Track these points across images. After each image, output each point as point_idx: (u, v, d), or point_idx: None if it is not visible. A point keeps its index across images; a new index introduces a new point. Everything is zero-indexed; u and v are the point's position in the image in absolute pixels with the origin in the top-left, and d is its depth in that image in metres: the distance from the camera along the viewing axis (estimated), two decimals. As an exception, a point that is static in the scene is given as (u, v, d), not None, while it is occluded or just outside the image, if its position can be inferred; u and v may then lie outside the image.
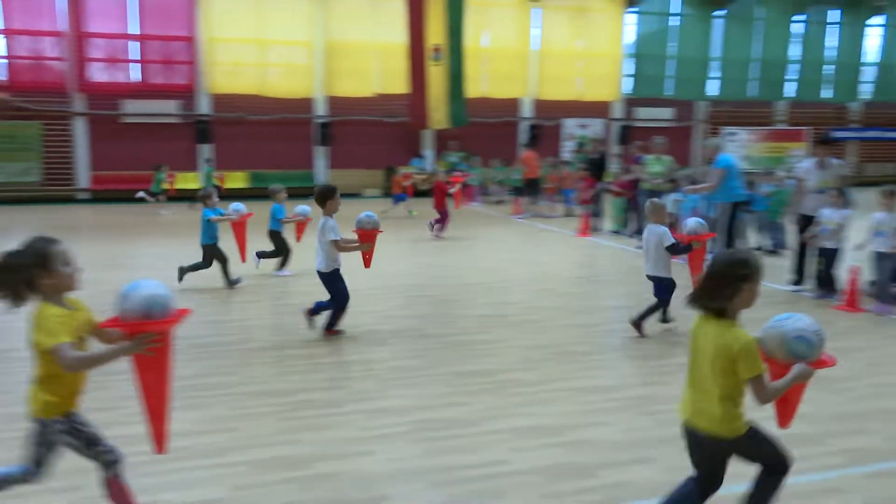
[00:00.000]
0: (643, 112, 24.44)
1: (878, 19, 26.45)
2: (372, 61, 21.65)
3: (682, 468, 3.56)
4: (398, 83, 20.97)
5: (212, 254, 8.00)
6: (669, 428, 4.08)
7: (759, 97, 25.67)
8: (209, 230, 8.01)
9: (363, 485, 3.44)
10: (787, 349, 2.67)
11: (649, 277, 6.14)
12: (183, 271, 7.94)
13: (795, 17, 25.43)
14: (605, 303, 7.65)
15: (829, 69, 26.28)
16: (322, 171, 21.75)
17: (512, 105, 23.24)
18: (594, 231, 12.69)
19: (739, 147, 24.79)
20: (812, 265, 7.69)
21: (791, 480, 3.45)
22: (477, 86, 22.24)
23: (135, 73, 20.32)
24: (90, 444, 2.83)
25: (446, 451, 3.80)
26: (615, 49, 23.73)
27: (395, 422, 4.19)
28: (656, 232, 6.00)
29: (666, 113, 24.81)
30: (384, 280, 8.56)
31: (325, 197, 5.89)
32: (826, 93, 26.46)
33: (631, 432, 4.05)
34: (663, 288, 6.03)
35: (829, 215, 7.25)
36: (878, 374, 5.16)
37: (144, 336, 2.67)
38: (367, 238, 6.37)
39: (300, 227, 9.30)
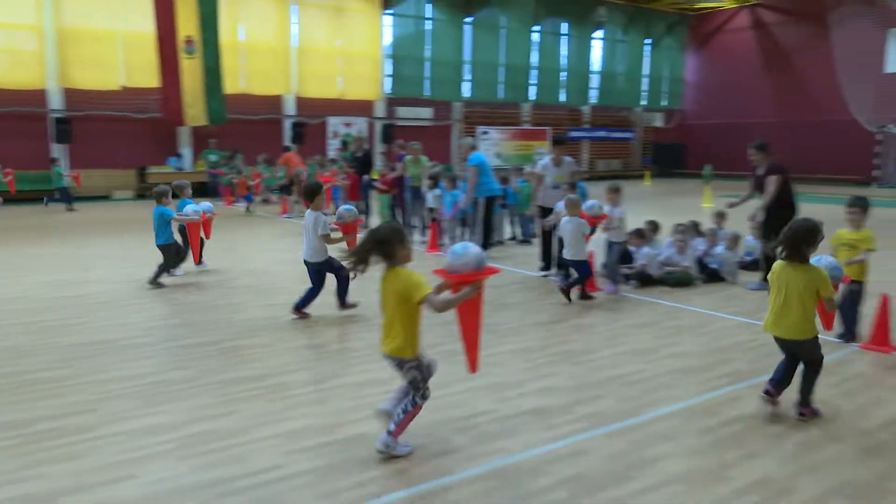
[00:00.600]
0: (404, 111, 25.29)
1: (599, 33, 30.05)
2: (116, 51, 19.77)
3: (453, 450, 3.79)
4: (148, 76, 19.46)
5: (170, 252, 8.14)
6: (440, 413, 4.30)
7: (507, 99, 27.88)
8: (167, 229, 8.05)
9: None
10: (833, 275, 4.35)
11: (569, 262, 7.44)
12: (154, 280, 7.98)
13: (534, 27, 27.99)
14: (374, 297, 7.77)
15: (564, 75, 29.33)
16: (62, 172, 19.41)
17: (275, 102, 22.71)
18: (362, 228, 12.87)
19: (492, 145, 26.72)
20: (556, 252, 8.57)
21: (544, 448, 3.84)
22: (236, 81, 21.42)
23: None
24: (424, 380, 3.76)
25: (217, 464, 3.63)
26: (374, 49, 24.24)
27: (159, 440, 3.92)
28: (575, 222, 7.29)
29: (426, 112, 25.92)
30: (141, 289, 7.93)
31: (314, 193, 6.61)
32: (562, 96, 29.52)
33: (403, 421, 4.19)
34: (584, 268, 7.34)
35: (610, 211, 7.79)
36: (612, 346, 5.89)
37: (476, 283, 3.67)
38: (349, 230, 7.00)
39: (207, 223, 9.04)
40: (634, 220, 10.59)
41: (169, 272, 8.33)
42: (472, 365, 3.93)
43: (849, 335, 5.88)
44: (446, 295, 3.71)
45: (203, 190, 19.71)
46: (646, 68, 31.90)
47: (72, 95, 19.38)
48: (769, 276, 4.32)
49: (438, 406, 4.43)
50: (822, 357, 4.32)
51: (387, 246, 3.61)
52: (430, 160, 12.42)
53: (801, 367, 4.34)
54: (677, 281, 8.03)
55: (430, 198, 11.05)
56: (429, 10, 25.43)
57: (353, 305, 6.90)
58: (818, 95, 27.62)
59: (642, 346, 5.81)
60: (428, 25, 25.58)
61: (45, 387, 4.78)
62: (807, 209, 8.82)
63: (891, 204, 18.86)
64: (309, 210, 6.67)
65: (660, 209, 16.19)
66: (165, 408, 4.41)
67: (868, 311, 6.10)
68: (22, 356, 5.47)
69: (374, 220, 13.56)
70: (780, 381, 4.32)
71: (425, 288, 3.56)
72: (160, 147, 20.78)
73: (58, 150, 19.25)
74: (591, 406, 4.47)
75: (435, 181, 11.03)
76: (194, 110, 19.49)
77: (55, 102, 19.27)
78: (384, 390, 4.72)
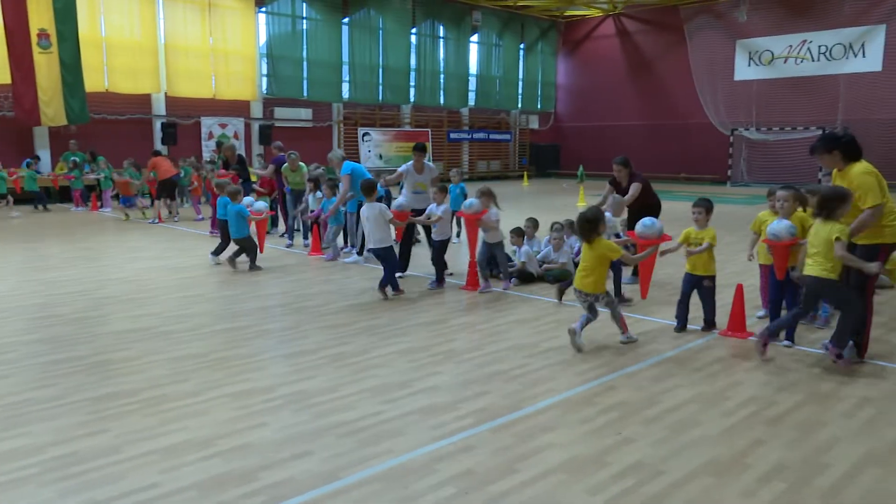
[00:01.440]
0: (283, 112, 24.71)
1: (476, 37, 30.71)
2: (-43, 44, 18.02)
3: (340, 454, 3.75)
4: (-3, 71, 17.90)
5: (246, 245, 9.43)
6: (326, 418, 4.25)
7: (387, 101, 27.90)
8: (244, 224, 9.42)
9: None
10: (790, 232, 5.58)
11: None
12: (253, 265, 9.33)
13: (411, 30, 28.18)
14: (257, 304, 7.57)
15: (443, 78, 29.73)
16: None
17: (143, 101, 21.52)
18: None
19: (374, 146, 26.66)
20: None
21: (432, 446, 3.89)
22: (100, 79, 20.13)
23: None
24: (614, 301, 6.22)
25: (86, 487, 3.41)
26: (249, 48, 23.53)
27: (20, 465, 3.62)
28: (493, 212, 7.90)
29: (305, 113, 25.45)
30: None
31: (372, 189, 7.80)
32: (442, 99, 29.90)
33: (289, 429, 4.11)
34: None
35: (433, 209, 8.24)
36: (495, 342, 6.04)
37: (655, 246, 6.38)
38: (402, 217, 8.14)
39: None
40: (516, 219, 10.91)
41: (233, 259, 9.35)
42: (645, 292, 6.95)
43: (708, 324, 6.34)
44: (632, 254, 6.32)
45: (64, 194, 18.39)
46: (521, 72, 32.92)
47: None
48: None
49: (325, 411, 4.37)
50: (857, 305, 5.16)
51: (595, 223, 5.70)
52: (310, 165, 12.24)
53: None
54: (556, 277, 8.34)
55: (312, 200, 10.90)
56: (304, 9, 24.99)
57: (402, 292, 7.80)
58: (678, 100, 29.64)
59: (523, 342, 6.00)
60: (304, 25, 25.13)
61: None
62: (668, 206, 9.37)
63: (741, 201, 20.52)
64: (367, 203, 7.74)
65: (538, 208, 16.75)
66: (27, 429, 4.08)
67: (725, 301, 6.61)
68: None
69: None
70: (775, 331, 5.51)
71: (620, 250, 5.79)
72: (15, 148, 19.13)
73: None
74: (476, 402, 4.56)
75: (316, 184, 10.87)
76: (51, 109, 18.16)
77: None
78: (265, 398, 4.60)
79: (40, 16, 17.77)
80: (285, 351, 5.77)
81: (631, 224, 8.07)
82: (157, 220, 14.66)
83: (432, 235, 8.49)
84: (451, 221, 9.32)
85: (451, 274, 8.64)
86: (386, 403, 4.53)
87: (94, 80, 19.58)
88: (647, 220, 6.49)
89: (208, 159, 18.40)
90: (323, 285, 8.49)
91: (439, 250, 8.29)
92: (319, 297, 7.89)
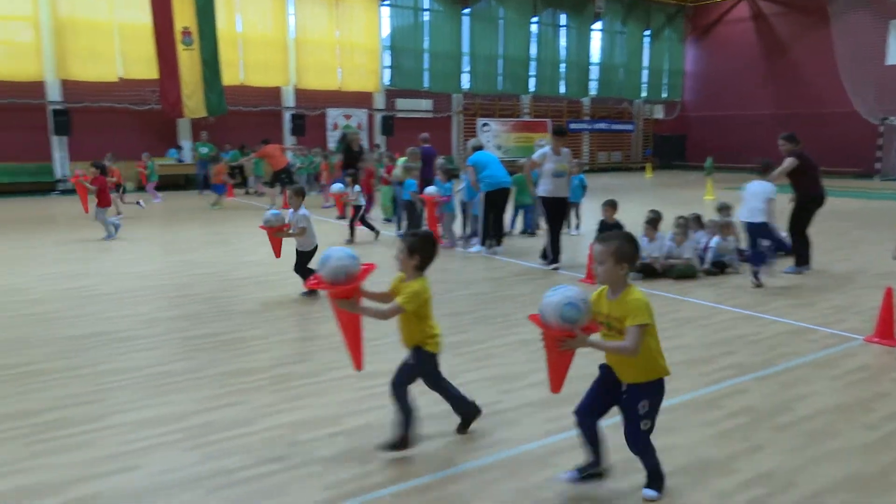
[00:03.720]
0: (404, 103, 25.22)
1: (598, 24, 29.95)
2: (113, 43, 19.66)
3: (458, 441, 3.79)
4: (146, 67, 19.38)
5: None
6: (445, 404, 4.30)
7: (506, 91, 27.80)
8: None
9: (130, 502, 3.17)
10: (560, 315, 3.01)
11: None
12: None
13: (532, 19, 27.89)
14: (377, 290, 7.76)
15: (563, 67, 29.24)
16: (61, 165, 19.41)
17: (274, 94, 22.64)
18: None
19: (492, 136, 26.66)
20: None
21: (548, 440, 3.84)
22: (235, 73, 21.33)
23: None
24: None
25: (223, 455, 3.63)
26: (372, 41, 24.15)
27: (165, 430, 3.92)
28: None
29: (425, 104, 25.85)
30: (143, 280, 7.94)
31: (453, 175, 8.10)
32: (562, 88, 29.43)
33: (419, 410, 4.18)
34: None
35: (291, 215, 7.33)
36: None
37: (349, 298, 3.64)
38: (271, 231, 7.36)
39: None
40: (638, 212, 10.59)
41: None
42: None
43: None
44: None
45: (193, 181, 19.71)
46: (645, 60, 31.81)
47: (70, 87, 19.31)
48: None
49: (440, 398, 4.42)
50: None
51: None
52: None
53: None
54: (680, 273, 8.02)
55: (432, 191, 11.02)
56: (426, 1, 25.33)
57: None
58: (818, 87, 27.56)
59: (645, 338, 5.80)
60: (426, 17, 25.48)
61: (49, 378, 4.77)
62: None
63: (892, 196, 18.87)
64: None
65: (662, 201, 16.17)
66: (169, 398, 4.40)
67: (871, 305, 6.10)
68: (25, 347, 5.46)
69: (377, 213, 13.55)
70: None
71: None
72: (161, 139, 20.72)
73: (57, 143, 19.21)
74: (729, 359, 4.44)
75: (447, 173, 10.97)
76: (193, 102, 19.43)
77: (53, 94, 19.18)
78: (383, 382, 4.71)
79: (184, 15, 19.03)
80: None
81: (796, 221, 8.25)
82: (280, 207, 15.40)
83: (298, 247, 7.40)
84: (570, 213, 9.20)
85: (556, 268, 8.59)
86: (503, 393, 4.53)
87: (230, 74, 20.77)
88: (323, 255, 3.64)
89: (333, 149, 19.14)
90: (441, 273, 8.60)
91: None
92: (437, 285, 7.99)
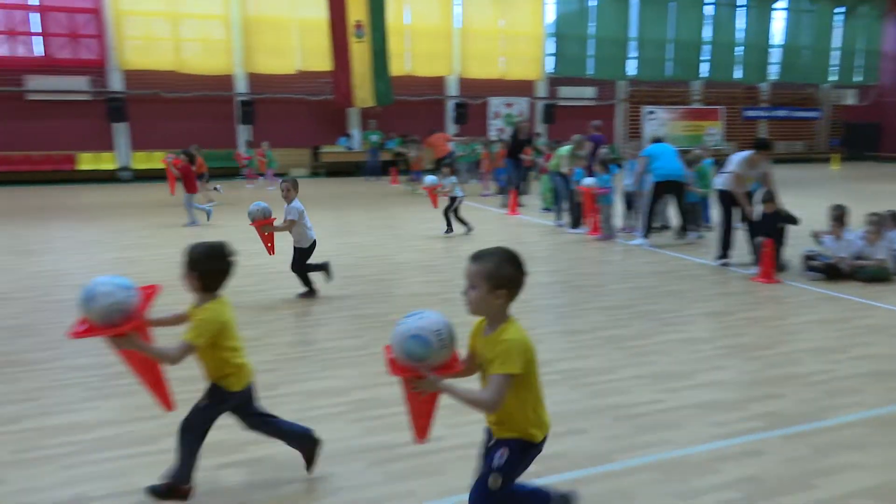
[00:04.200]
0: (566, 91, 24.86)
1: (782, 3, 27.66)
2: (293, 37, 21.11)
3: (615, 437, 3.70)
4: (321, 60, 20.58)
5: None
6: (602, 398, 4.22)
7: (675, 77, 26.52)
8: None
9: (299, 467, 3.41)
10: (401, 348, 2.40)
11: None
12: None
13: (706, 0, 26.32)
14: (535, 279, 7.77)
15: (739, 50, 27.37)
16: (245, 150, 21.13)
17: (438, 83, 23.19)
18: (523, 208, 12.91)
19: (659, 125, 25.62)
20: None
21: (713, 444, 3.65)
22: (401, 63, 22.07)
23: (37, 48, 19.15)
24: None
25: (384, 430, 3.80)
26: (537, 28, 23.98)
27: (333, 402, 4.17)
28: None
29: (588, 92, 25.31)
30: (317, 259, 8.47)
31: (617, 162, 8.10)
32: (738, 73, 27.58)
33: (565, 404, 4.15)
34: None
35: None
36: (791, 342, 5.46)
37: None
38: (258, 225, 6.64)
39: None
40: (821, 207, 9.75)
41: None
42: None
43: None
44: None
45: (362, 168, 20.64)
46: (836, 40, 28.98)
47: (255, 80, 20.95)
48: None
49: (600, 391, 4.34)
50: None
51: None
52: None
53: None
54: (871, 276, 7.28)
55: (591, 182, 10.75)
56: (595, -15, 24.75)
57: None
58: None
59: (826, 345, 5.34)
60: (592, 2, 24.87)
61: (233, 346, 5.24)
62: None
63: None
64: None
65: (851, 197, 14.73)
66: (338, 372, 4.68)
67: None
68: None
69: (535, 202, 13.52)
70: None
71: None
72: (332, 127, 21.96)
73: (242, 131, 20.95)
74: (766, 405, 4.17)
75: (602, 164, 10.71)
76: (363, 92, 20.35)
77: (241, 87, 20.91)
78: (543, 371, 4.69)
79: (357, 9, 19.96)
80: (562, 327, 5.84)
81: None
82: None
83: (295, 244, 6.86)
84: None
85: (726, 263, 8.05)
86: (665, 392, 4.35)
87: (397, 64, 21.53)
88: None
89: (494, 138, 19.29)
90: (600, 266, 8.43)
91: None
92: (597, 277, 7.85)
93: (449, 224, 10.43)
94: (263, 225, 6.56)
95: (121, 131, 19.73)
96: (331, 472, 3.35)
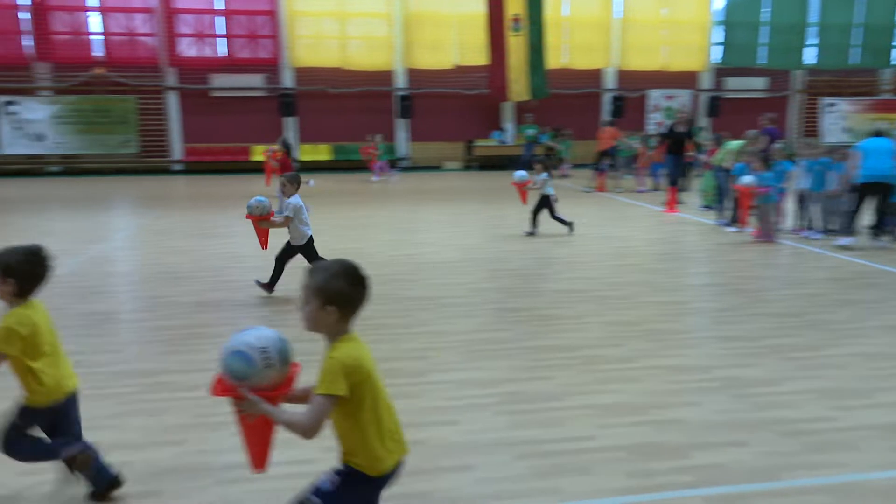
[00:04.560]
0: (734, 82, 23.39)
1: None
2: (451, 33, 21.52)
3: (780, 453, 3.45)
4: (477, 55, 20.82)
5: None
6: (765, 411, 3.94)
7: (862, 65, 24.08)
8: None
9: (448, 453, 3.47)
10: (223, 365, 2.18)
11: None
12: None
13: (905, -22, 23.65)
14: (691, 280, 7.42)
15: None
16: (403, 144, 21.90)
17: (594, 76, 22.67)
18: (682, 206, 12.35)
19: (839, 118, 23.45)
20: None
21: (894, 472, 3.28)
22: (558, 56, 21.81)
23: (221, 48, 20.90)
24: None
25: (530, 424, 3.78)
26: (703, 16, 22.73)
27: (480, 393, 4.21)
28: None
29: (758, 83, 23.65)
30: (466, 252, 8.59)
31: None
32: (937, 60, 24.59)
33: (724, 413, 3.92)
34: None
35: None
36: None
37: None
38: (255, 221, 6.57)
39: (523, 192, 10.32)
40: None
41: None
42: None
43: None
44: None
45: (517, 163, 20.61)
46: None
47: (413, 75, 21.58)
48: None
49: (764, 404, 4.05)
50: None
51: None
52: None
53: None
54: None
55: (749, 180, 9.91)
56: (770, -32, 23.01)
57: None
58: None
59: None
60: (768, -14, 23.16)
61: (389, 331, 5.44)
62: None
63: None
64: None
65: None
66: (485, 364, 4.71)
67: None
68: (375, 303, 6.27)
69: (696, 200, 12.89)
70: None
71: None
72: (486, 121, 22.15)
73: (400, 125, 21.67)
74: None
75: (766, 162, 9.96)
76: (518, 86, 20.33)
77: (400, 82, 21.62)
78: (698, 378, 4.47)
79: (515, 3, 19.93)
80: (721, 332, 5.52)
81: None
82: (593, 189, 15.42)
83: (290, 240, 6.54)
84: None
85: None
86: (838, 410, 3.98)
87: (554, 57, 21.28)
88: None
89: (652, 132, 18.59)
90: (765, 269, 7.87)
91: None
92: (760, 281, 7.34)
93: (534, 225, 9.73)
94: (260, 220, 6.48)
95: (290, 125, 21.08)
96: (475, 463, 3.39)
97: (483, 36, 20.36)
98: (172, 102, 20.66)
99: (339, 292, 2.17)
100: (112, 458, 3.40)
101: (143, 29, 20.32)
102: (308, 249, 6.41)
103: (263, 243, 6.72)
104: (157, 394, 4.25)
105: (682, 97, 22.88)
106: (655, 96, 22.82)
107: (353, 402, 2.15)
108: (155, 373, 4.61)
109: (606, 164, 15.86)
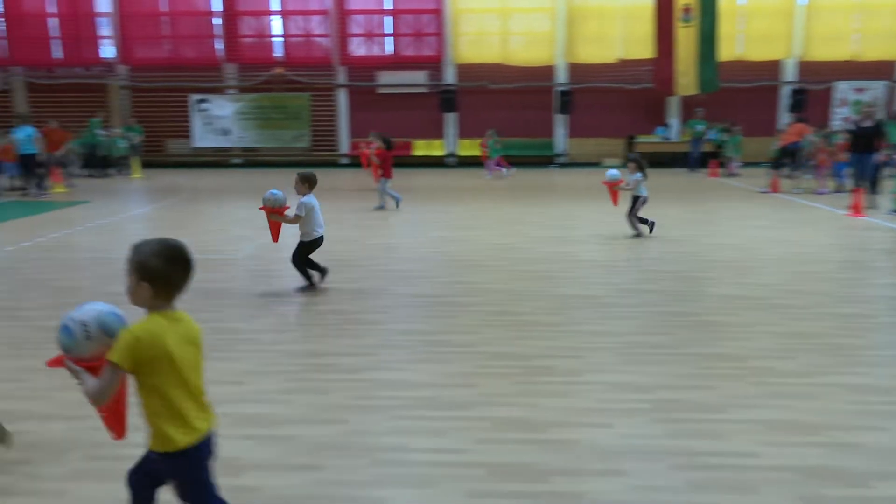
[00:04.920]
0: (938, 72, 20.82)
1: None
2: (615, 26, 20.93)
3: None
4: (643, 48, 20.10)
5: None
6: (967, 443, 3.48)
7: None
8: None
9: (600, 456, 3.38)
10: (57, 338, 2.30)
11: None
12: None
13: None
14: (879, 292, 6.69)
15: None
16: (561, 140, 21.67)
17: (771, 67, 21.10)
18: (870, 209, 11.22)
19: None
20: None
21: None
22: (731, 47, 20.54)
23: (388, 47, 21.75)
24: None
25: (689, 435, 3.59)
26: (904, -1, 20.41)
27: (635, 398, 4.06)
28: None
29: (969, 73, 20.89)
30: (621, 252, 8.34)
31: None
32: None
33: (917, 443, 3.51)
34: None
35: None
36: None
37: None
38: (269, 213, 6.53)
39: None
40: None
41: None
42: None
43: None
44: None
45: (683, 160, 19.68)
46: None
47: (574, 70, 21.23)
48: None
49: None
50: None
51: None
52: None
53: None
54: None
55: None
56: None
57: None
58: None
59: None
60: None
61: (540, 329, 5.40)
62: None
63: None
64: None
65: None
66: (641, 368, 4.54)
67: None
68: (523, 299, 6.27)
69: (886, 204, 11.67)
70: None
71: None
72: (649, 117, 21.35)
73: (559, 120, 21.43)
74: None
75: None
76: (686, 79, 19.40)
77: (560, 77, 21.36)
78: (885, 400, 4.02)
79: (686, -8, 19.04)
80: (914, 351, 4.94)
81: None
82: (768, 190, 14.36)
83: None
84: None
85: None
86: None
87: (727, 48, 20.05)
88: None
89: (836, 128, 17.02)
90: (973, 283, 6.94)
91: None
92: (966, 296, 6.48)
93: (635, 227, 9.31)
94: (272, 213, 6.49)
95: (450, 121, 21.53)
96: (629, 469, 3.27)
97: (649, 28, 19.61)
98: (342, 99, 21.82)
99: (155, 270, 2.23)
100: (281, 432, 3.65)
101: (318, 30, 21.63)
102: (309, 247, 6.44)
103: (275, 236, 6.76)
104: (321, 374, 4.50)
105: (874, 89, 20.73)
106: (843, 89, 20.84)
107: (144, 376, 2.22)
108: (319, 354, 4.89)
109: (787, 162, 14.74)
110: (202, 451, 2.34)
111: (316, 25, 21.63)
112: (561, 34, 21.05)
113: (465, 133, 21.50)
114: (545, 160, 21.56)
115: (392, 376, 4.44)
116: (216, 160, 21.97)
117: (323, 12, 21.40)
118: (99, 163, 18.91)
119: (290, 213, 6.49)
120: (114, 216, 11.33)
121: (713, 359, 4.71)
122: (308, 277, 6.57)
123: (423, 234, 9.91)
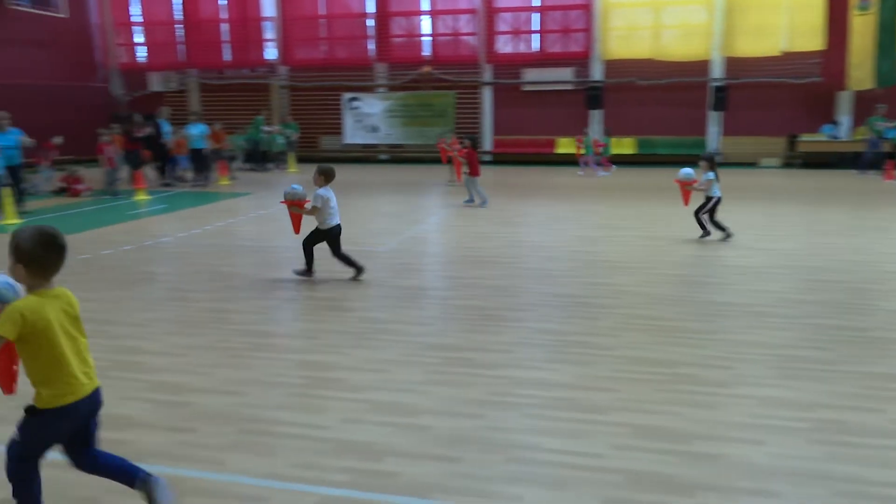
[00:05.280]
0: None
1: None
2: (780, 16, 19.47)
3: None
4: (810, 39, 18.64)
5: None
6: None
7: None
8: None
9: (748, 475, 3.18)
10: None
11: None
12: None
13: None
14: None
15: None
16: (714, 139, 20.57)
17: (964, 58, 18.83)
18: None
19: None
20: None
21: None
22: (917, 37, 18.55)
23: (535, 44, 21.61)
24: None
25: (854, 460, 3.29)
26: None
27: (791, 415, 3.77)
28: None
29: None
30: (781, 258, 7.79)
31: None
32: None
33: None
34: None
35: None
36: None
37: None
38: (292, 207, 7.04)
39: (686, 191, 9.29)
40: None
41: None
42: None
43: None
44: None
45: (852, 161, 18.02)
46: None
47: (731, 64, 20.04)
48: None
49: None
50: None
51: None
52: None
53: None
54: None
55: None
56: None
57: None
58: None
59: None
60: None
61: (685, 335, 5.15)
62: None
63: None
64: None
65: None
66: (798, 384, 4.21)
67: None
68: (669, 304, 6.02)
69: None
70: None
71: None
72: (813, 114, 19.74)
73: (712, 118, 20.34)
74: None
75: None
76: (860, 72, 17.80)
77: (716, 71, 20.25)
78: None
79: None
80: None
81: None
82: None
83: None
84: None
85: None
86: None
87: (911, 38, 18.16)
88: None
89: None
90: None
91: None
92: None
93: (702, 226, 8.96)
94: (292, 206, 6.94)
95: (595, 118, 21.06)
96: (782, 491, 3.04)
97: (818, 17, 18.14)
98: (486, 97, 21.97)
99: (29, 253, 2.53)
100: (418, 422, 3.74)
101: (465, 29, 21.90)
102: (330, 236, 6.78)
103: (296, 228, 7.18)
104: (459, 367, 4.56)
105: None
106: None
107: (28, 347, 2.53)
108: (458, 348, 4.95)
109: None
110: (70, 412, 2.63)
111: (464, 24, 21.91)
112: (718, 26, 19.94)
113: (611, 131, 20.95)
114: (696, 160, 20.52)
115: (530, 374, 4.42)
116: (364, 156, 22.86)
117: (471, 11, 21.64)
118: (259, 158, 20.29)
119: (308, 206, 6.90)
120: (272, 207, 12.11)
121: (881, 378, 4.28)
122: (309, 263, 6.90)
123: (564, 233, 9.76)
